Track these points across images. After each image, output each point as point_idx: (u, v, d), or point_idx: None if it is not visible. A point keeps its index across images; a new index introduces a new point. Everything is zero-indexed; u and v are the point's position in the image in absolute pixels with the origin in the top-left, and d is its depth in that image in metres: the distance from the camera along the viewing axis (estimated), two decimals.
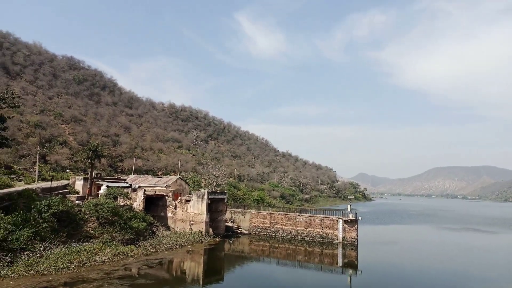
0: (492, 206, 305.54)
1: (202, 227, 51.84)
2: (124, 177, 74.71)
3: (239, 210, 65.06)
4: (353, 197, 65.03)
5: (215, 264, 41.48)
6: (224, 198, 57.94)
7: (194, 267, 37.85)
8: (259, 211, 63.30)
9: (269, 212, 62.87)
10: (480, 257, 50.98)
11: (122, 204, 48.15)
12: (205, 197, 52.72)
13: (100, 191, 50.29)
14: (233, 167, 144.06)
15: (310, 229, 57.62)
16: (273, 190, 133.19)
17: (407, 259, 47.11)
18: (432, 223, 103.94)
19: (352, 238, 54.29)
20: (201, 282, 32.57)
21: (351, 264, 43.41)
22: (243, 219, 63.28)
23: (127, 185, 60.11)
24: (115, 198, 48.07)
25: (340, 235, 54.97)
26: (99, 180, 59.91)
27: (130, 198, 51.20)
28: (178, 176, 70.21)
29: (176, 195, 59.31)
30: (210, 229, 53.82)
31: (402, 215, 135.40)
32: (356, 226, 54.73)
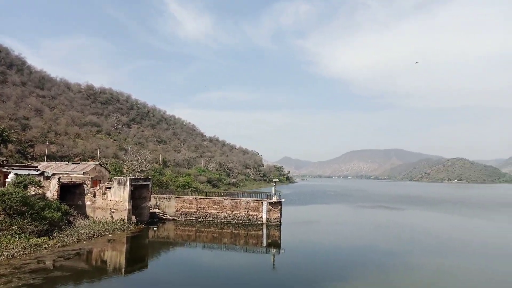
0: (399, 185, 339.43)
1: (124, 215, 49.89)
2: (35, 164, 68.37)
3: (164, 196, 63.73)
4: (277, 180, 67.36)
5: (139, 252, 40.39)
6: (148, 185, 56.25)
7: (115, 256, 36.45)
8: (185, 197, 62.68)
9: (196, 197, 62.61)
10: (389, 232, 56.50)
11: (33, 193, 44.21)
12: (128, 183, 50.66)
13: (7, 180, 45.53)
14: (158, 152, 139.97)
15: (236, 212, 58.71)
16: (200, 175, 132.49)
17: (326, 236, 50.52)
18: (348, 202, 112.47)
19: (276, 219, 56.57)
20: (123, 271, 31.54)
21: (275, 244, 45.34)
22: (168, 205, 62.19)
23: (39, 172, 55.16)
24: (25, 187, 43.94)
25: (264, 217, 56.93)
26: (6, 167, 54.11)
27: (43, 186, 47.16)
28: (97, 163, 66.23)
29: (95, 182, 56.05)
30: (133, 217, 52.04)
31: (322, 195, 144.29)
32: (279, 207, 57.08)
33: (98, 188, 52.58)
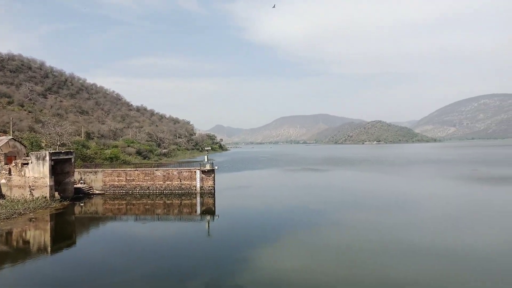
0: (325, 148, 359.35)
1: (45, 192, 46.60)
2: None
3: (90, 170, 60.43)
4: (209, 148, 67.39)
5: (65, 229, 38.38)
6: (70, 159, 52.77)
7: (39, 235, 34.27)
8: (113, 169, 60.10)
9: (125, 169, 60.37)
10: (317, 192, 60.16)
11: None
12: (47, 158, 47.02)
13: None
14: (80, 124, 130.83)
15: (168, 182, 57.94)
16: (128, 146, 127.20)
17: (259, 200, 52.35)
18: (279, 167, 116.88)
19: (209, 187, 57.02)
20: (49, 249, 29.91)
21: (209, 211, 45.98)
22: (95, 179, 59.23)
23: None
24: None
25: (198, 185, 57.05)
26: None
27: None
28: (11, 137, 60.18)
29: (10, 158, 51.22)
30: (56, 193, 48.85)
31: (254, 161, 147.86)
32: (213, 175, 57.48)
33: (14, 164, 48.18)
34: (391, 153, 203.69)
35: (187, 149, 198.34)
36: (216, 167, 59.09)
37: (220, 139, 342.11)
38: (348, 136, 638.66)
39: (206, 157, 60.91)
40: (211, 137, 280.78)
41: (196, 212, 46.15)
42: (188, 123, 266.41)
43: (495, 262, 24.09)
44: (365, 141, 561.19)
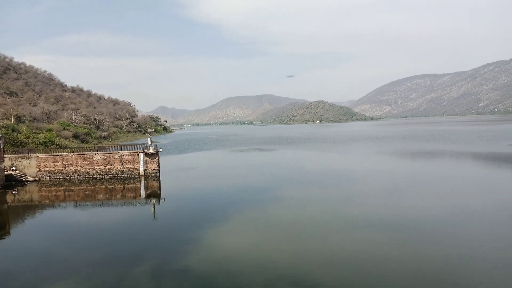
0: (270, 128, 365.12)
1: None
2: None
3: (22, 155, 56.20)
4: (153, 130, 65.55)
5: None
6: None
7: None
8: (48, 154, 56.42)
9: (61, 154, 56.93)
10: (262, 171, 61.32)
11: None
12: None
13: None
14: (9, 107, 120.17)
15: (110, 166, 55.72)
16: (64, 130, 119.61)
17: (205, 181, 52.25)
18: (225, 147, 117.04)
19: (154, 169, 55.78)
20: None
21: (154, 194, 45.16)
22: (28, 166, 55.30)
23: None
24: None
25: (141, 169, 55.53)
26: None
27: None
28: None
29: None
30: None
31: (200, 143, 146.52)
32: (157, 158, 56.22)
33: None
34: (333, 132, 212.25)
35: (129, 132, 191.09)
36: (160, 150, 57.81)
37: (164, 120, 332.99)
38: (293, 116, 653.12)
39: (149, 139, 59.26)
40: (154, 119, 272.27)
41: (140, 196, 45.10)
42: (129, 104, 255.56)
43: (430, 229, 26.47)
44: (309, 121, 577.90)
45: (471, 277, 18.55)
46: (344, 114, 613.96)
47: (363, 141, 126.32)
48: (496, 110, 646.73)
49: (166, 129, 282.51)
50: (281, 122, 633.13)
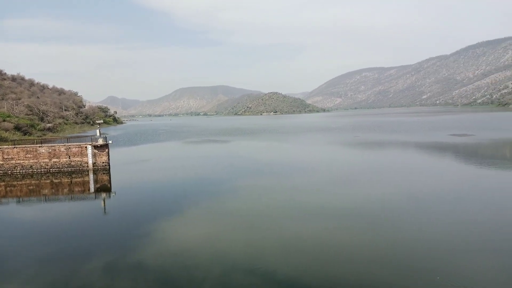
0: (225, 119, 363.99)
1: None
2: None
3: None
4: (102, 121, 62.78)
5: None
6: None
7: None
8: None
9: (1, 147, 52.94)
10: (218, 162, 60.96)
11: None
12: None
13: None
14: None
15: (55, 159, 52.70)
16: (4, 121, 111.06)
17: (159, 174, 50.94)
18: (179, 139, 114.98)
19: (103, 162, 53.56)
20: None
21: (104, 188, 43.41)
22: None
23: None
24: None
25: (90, 162, 53.09)
26: None
27: None
28: None
29: None
30: None
31: (153, 134, 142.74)
32: (106, 150, 53.99)
33: None
34: (287, 123, 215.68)
35: (76, 123, 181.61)
36: (110, 142, 55.56)
37: (114, 111, 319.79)
38: (247, 107, 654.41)
39: (98, 131, 56.70)
40: (103, 110, 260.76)
41: (89, 190, 43.16)
42: (75, 94, 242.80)
43: (381, 215, 27.75)
44: (263, 112, 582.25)
45: (421, 259, 19.74)
46: (297, 105, 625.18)
47: (316, 132, 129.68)
48: (437, 102, 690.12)
49: (116, 120, 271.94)
50: (236, 114, 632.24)
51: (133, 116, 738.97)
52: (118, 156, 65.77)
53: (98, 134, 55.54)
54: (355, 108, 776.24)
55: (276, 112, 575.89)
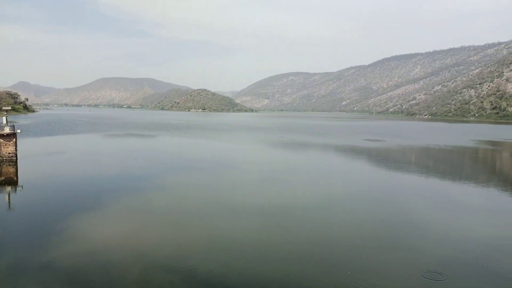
0: (151, 113, 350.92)
1: None
2: None
3: None
4: (9, 108, 56.59)
5: None
6: None
7: None
8: None
9: None
10: (142, 157, 58.46)
11: None
12: None
13: None
14: None
15: None
16: None
17: (74, 167, 47.32)
18: (99, 131, 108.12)
19: (9, 153, 48.23)
20: None
21: (10, 181, 39.10)
22: None
23: None
24: None
25: None
26: None
27: None
28: None
29: None
30: None
31: (70, 125, 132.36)
32: (14, 139, 48.71)
33: None
34: (216, 121, 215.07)
35: None
36: (18, 131, 50.20)
37: (26, 98, 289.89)
38: (175, 102, 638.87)
39: (4, 118, 50.94)
40: (12, 96, 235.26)
41: None
42: None
43: (300, 214, 28.89)
44: (191, 108, 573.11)
45: (333, 255, 21.01)
46: (226, 104, 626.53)
47: (244, 131, 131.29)
48: (355, 108, 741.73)
49: (27, 108, 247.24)
50: (162, 108, 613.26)
51: (47, 104, 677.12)
52: (28, 147, 59.80)
53: (4, 121, 49.88)
54: (281, 110, 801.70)
55: (204, 109, 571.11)
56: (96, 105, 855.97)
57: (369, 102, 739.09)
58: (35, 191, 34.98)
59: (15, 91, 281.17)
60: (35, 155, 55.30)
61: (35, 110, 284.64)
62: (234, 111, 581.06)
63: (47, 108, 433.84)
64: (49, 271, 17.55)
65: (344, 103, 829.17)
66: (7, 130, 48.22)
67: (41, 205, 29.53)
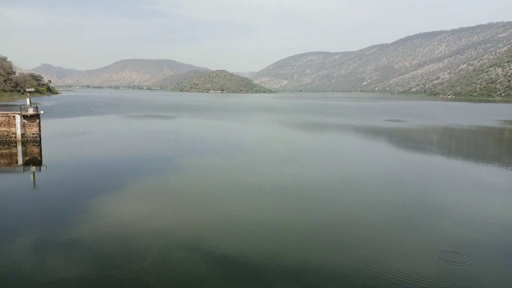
0: (170, 95, 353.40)
1: None
2: None
3: None
4: (33, 89, 57.99)
5: None
6: None
7: None
8: None
9: None
10: (162, 139, 59.16)
11: None
12: None
13: None
14: None
15: None
16: None
17: (97, 148, 48.39)
18: (120, 113, 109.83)
19: (33, 134, 49.63)
20: None
21: (34, 161, 40.37)
22: None
23: None
24: None
25: (19, 132, 48.93)
26: None
27: None
28: None
29: None
30: None
31: (91, 106, 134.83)
32: (38, 120, 50.00)
33: None
34: (234, 102, 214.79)
35: (5, 91, 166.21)
36: (42, 112, 51.42)
37: (49, 80, 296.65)
38: (194, 84, 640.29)
39: (28, 99, 52.31)
40: (36, 78, 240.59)
41: (17, 162, 39.88)
42: (4, 59, 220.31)
43: (319, 194, 28.73)
44: (210, 90, 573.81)
45: (350, 236, 20.84)
46: (244, 85, 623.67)
47: (263, 112, 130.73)
48: (376, 89, 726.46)
49: (50, 90, 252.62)
50: (181, 90, 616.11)
51: (69, 86, 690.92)
52: (51, 128, 61.41)
53: (28, 103, 51.21)
54: (301, 91, 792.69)
55: (223, 90, 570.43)
56: (116, 87, 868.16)
57: (391, 82, 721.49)
58: (59, 170, 35.98)
59: (38, 73, 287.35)
60: (58, 136, 56.71)
61: (58, 92, 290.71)
62: (252, 92, 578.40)
63: (69, 90, 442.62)
64: (73, 247, 18.11)
65: (365, 83, 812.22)
66: (30, 111, 49.49)
67: (64, 184, 30.42)
